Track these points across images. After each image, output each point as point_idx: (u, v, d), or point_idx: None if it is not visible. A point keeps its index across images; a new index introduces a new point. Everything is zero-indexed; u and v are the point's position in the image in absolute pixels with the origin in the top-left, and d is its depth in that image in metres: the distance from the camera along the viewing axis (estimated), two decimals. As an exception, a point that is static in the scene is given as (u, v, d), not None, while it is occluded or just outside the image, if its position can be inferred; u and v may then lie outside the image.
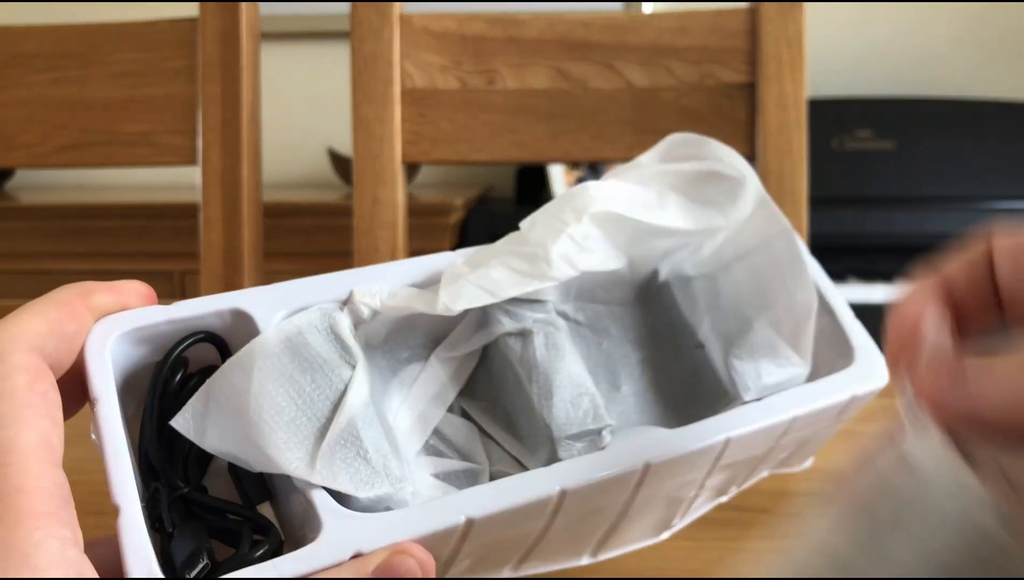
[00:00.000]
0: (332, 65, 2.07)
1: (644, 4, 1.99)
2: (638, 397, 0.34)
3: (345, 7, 0.82)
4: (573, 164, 1.73)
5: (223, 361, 0.28)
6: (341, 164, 1.84)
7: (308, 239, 1.59)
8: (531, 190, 1.80)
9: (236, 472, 0.27)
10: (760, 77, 0.80)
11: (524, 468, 0.31)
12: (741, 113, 0.81)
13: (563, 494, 0.27)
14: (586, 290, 0.34)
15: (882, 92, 1.93)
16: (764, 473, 0.36)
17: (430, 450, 0.31)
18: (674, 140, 0.35)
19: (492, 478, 0.31)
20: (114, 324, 0.27)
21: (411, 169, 1.82)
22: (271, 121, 2.25)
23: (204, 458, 0.28)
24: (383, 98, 0.82)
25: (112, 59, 0.84)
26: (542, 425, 0.30)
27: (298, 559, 0.24)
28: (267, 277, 0.86)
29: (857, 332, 0.34)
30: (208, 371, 0.28)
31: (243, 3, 0.82)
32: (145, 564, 0.23)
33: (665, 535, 0.36)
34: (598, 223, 0.32)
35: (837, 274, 1.54)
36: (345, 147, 1.98)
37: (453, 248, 1.72)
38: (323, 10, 2.02)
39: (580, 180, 1.76)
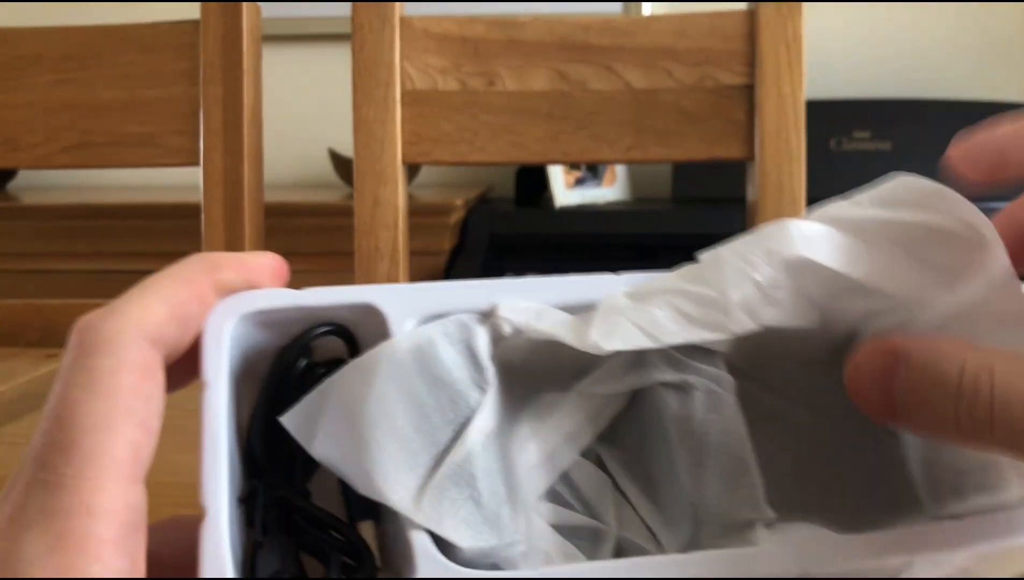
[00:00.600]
0: (333, 67, 2.08)
1: (643, 5, 1.99)
2: (804, 478, 0.29)
3: (346, 9, 0.82)
4: (572, 165, 1.74)
5: (351, 357, 0.26)
6: (342, 165, 1.84)
7: (309, 239, 1.59)
8: (531, 191, 1.80)
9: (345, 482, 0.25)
10: (758, 79, 0.80)
11: (657, 543, 0.27)
12: (740, 114, 0.81)
13: None
14: (763, 338, 0.28)
15: (880, 93, 1.94)
16: None
17: (554, 496, 0.27)
18: (902, 184, 0.28)
19: (617, 545, 0.27)
20: (237, 305, 0.24)
21: (411, 170, 1.83)
22: (272, 122, 2.26)
23: (313, 459, 0.26)
24: (384, 100, 0.82)
25: (114, 61, 0.85)
26: (687, 499, 0.26)
27: None
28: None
29: None
30: (336, 364, 0.26)
31: (244, 5, 0.82)
32: None
33: None
34: (793, 270, 0.26)
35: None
36: (346, 148, 1.98)
37: (453, 248, 1.71)
38: (324, 12, 2.03)
39: (579, 181, 1.77)
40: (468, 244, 1.64)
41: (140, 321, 0.21)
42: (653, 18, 0.82)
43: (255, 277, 0.25)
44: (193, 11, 0.84)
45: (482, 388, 0.25)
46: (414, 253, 1.60)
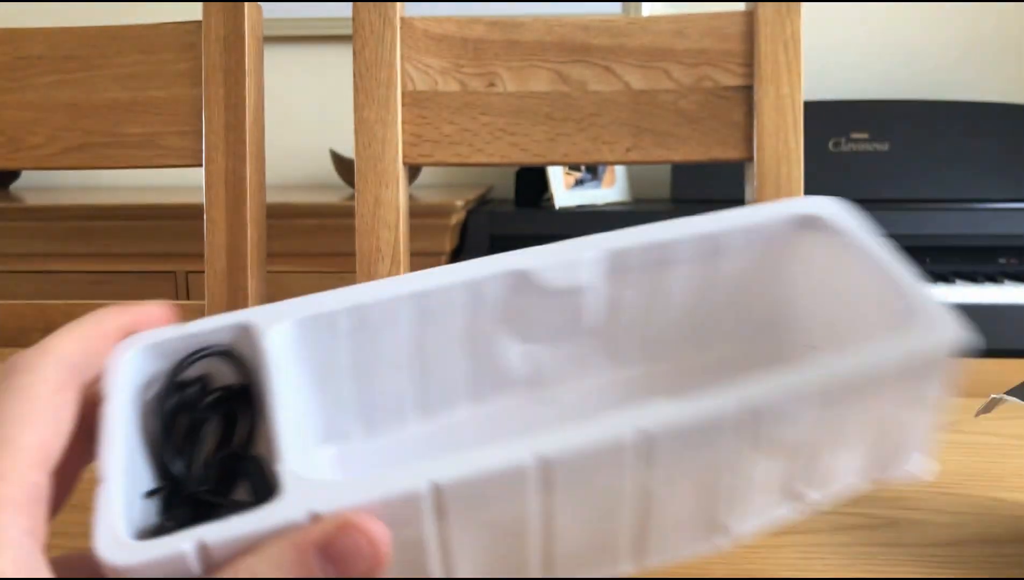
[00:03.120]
0: (334, 68, 2.08)
1: (643, 6, 2.00)
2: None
3: (347, 10, 0.83)
4: (572, 166, 1.74)
5: (240, 376, 0.30)
6: (343, 165, 1.85)
7: (311, 240, 1.59)
8: (531, 192, 1.81)
9: (249, 475, 0.28)
10: (757, 79, 0.80)
11: None
12: (738, 115, 0.81)
13: (545, 463, 0.24)
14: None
15: (878, 95, 1.94)
16: (855, 478, 0.30)
17: None
18: None
19: None
20: (134, 341, 0.29)
21: (412, 171, 1.83)
22: (274, 123, 2.26)
23: (228, 473, 0.29)
24: (385, 100, 0.83)
25: (116, 61, 0.85)
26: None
27: (252, 517, 0.24)
28: (270, 277, 0.87)
29: (917, 293, 0.29)
30: (231, 390, 0.30)
31: (246, 5, 0.83)
32: (111, 531, 0.24)
33: (723, 541, 0.29)
34: None
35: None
36: (347, 149, 1.99)
37: (453, 249, 1.71)
38: (325, 13, 2.03)
39: (579, 182, 1.77)
40: (468, 245, 1.64)
41: (57, 351, 0.27)
42: (652, 18, 0.82)
43: (150, 320, 0.30)
44: (195, 12, 0.85)
45: None
46: (415, 254, 1.60)
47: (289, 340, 0.31)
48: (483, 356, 0.34)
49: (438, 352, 0.34)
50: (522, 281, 0.32)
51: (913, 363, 0.27)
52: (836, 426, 0.27)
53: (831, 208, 0.33)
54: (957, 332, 0.27)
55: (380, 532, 0.23)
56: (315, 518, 0.23)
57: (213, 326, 0.30)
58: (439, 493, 0.24)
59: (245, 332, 0.30)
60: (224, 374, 0.31)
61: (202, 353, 0.30)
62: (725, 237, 0.33)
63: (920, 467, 0.30)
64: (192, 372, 0.30)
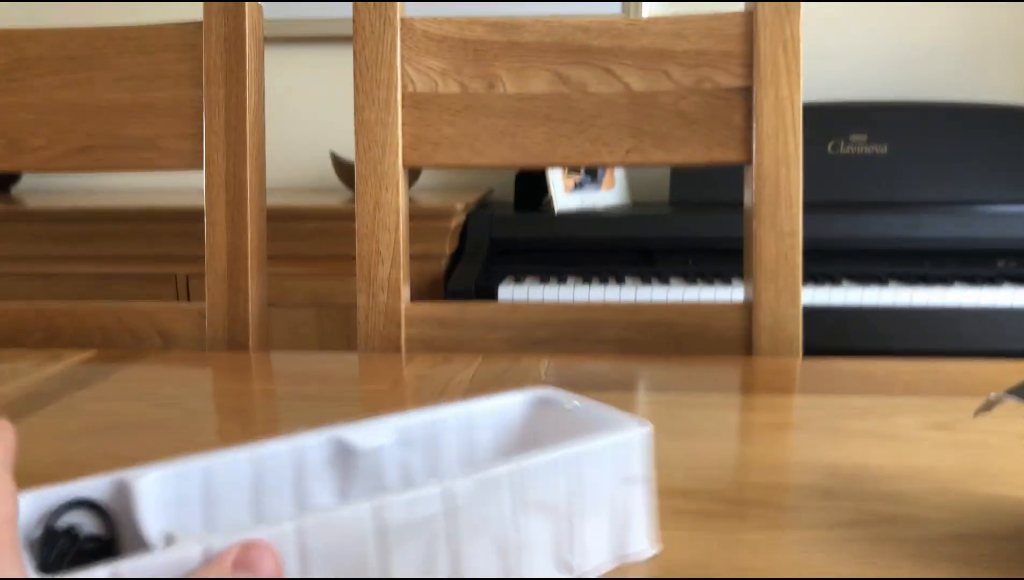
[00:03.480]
0: (335, 69, 2.09)
1: (643, 6, 2.00)
2: None
3: (347, 11, 0.83)
4: (572, 168, 1.74)
5: (107, 530, 0.34)
6: (343, 169, 1.85)
7: (311, 242, 1.60)
8: (530, 195, 1.81)
9: None
10: (757, 81, 0.81)
11: None
12: (737, 117, 0.82)
13: (379, 514, 0.32)
14: None
15: (877, 97, 1.94)
16: (605, 554, 0.38)
17: None
18: None
19: None
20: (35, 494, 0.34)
21: (412, 173, 1.83)
22: (275, 125, 2.26)
23: None
24: (385, 102, 0.83)
25: (117, 63, 0.86)
26: None
27: (153, 558, 0.28)
28: (271, 280, 0.87)
29: (608, 413, 0.40)
30: (99, 538, 0.34)
31: (247, 5, 0.83)
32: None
33: None
34: None
35: (831, 277, 1.55)
36: (347, 151, 1.99)
37: (453, 252, 1.72)
38: (325, 13, 2.04)
39: (579, 185, 1.77)
40: (468, 248, 1.64)
41: None
42: (651, 20, 0.83)
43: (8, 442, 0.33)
44: (195, 12, 0.85)
45: None
46: (415, 257, 1.59)
47: (152, 497, 0.35)
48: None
49: (271, 512, 0.40)
50: (338, 446, 0.40)
51: (615, 446, 0.38)
52: (575, 492, 0.37)
53: (555, 391, 0.44)
54: (644, 429, 0.38)
55: (276, 551, 0.29)
56: (209, 552, 0.28)
57: (85, 483, 0.34)
58: (302, 535, 0.30)
59: (114, 488, 0.34)
60: (93, 524, 0.35)
61: (74, 503, 0.34)
62: (481, 416, 0.44)
63: (649, 548, 0.39)
64: (64, 521, 0.34)
